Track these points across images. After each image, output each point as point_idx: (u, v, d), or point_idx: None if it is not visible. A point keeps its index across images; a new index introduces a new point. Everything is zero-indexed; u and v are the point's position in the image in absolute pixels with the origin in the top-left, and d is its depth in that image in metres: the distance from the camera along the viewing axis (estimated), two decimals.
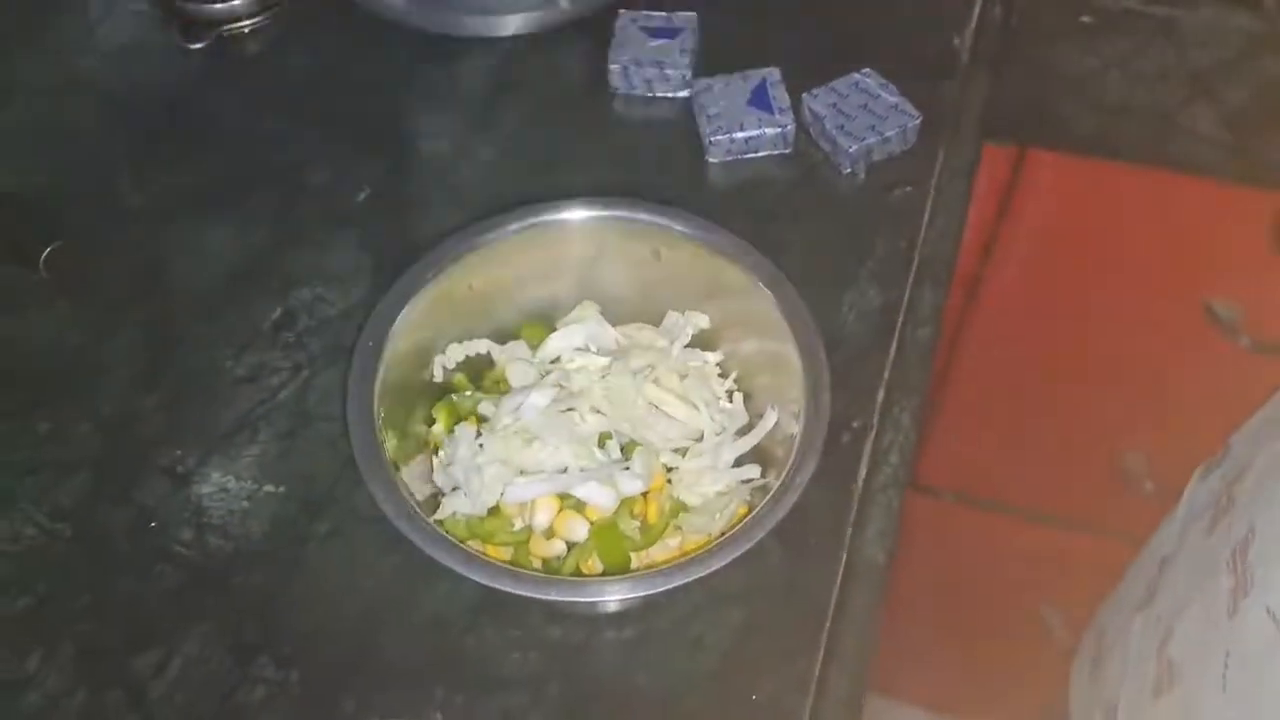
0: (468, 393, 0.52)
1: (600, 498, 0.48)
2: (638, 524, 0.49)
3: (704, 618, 0.48)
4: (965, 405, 0.93)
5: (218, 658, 0.47)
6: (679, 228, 0.49)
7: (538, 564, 0.49)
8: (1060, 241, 0.79)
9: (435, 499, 0.50)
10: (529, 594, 0.43)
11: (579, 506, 0.48)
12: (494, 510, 0.49)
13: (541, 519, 0.48)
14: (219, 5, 0.68)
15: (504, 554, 0.49)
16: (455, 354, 0.52)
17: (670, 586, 0.43)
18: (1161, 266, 0.76)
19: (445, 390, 0.52)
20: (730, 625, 0.48)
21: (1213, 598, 0.47)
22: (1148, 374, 0.82)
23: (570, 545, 0.48)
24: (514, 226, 0.50)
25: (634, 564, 0.48)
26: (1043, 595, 1.09)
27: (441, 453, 0.51)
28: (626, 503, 0.49)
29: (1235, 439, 0.56)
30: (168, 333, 0.57)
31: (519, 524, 0.49)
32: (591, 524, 0.48)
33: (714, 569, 0.43)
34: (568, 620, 0.48)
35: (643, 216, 0.50)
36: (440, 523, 0.48)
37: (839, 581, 0.49)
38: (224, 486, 0.51)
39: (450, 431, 0.51)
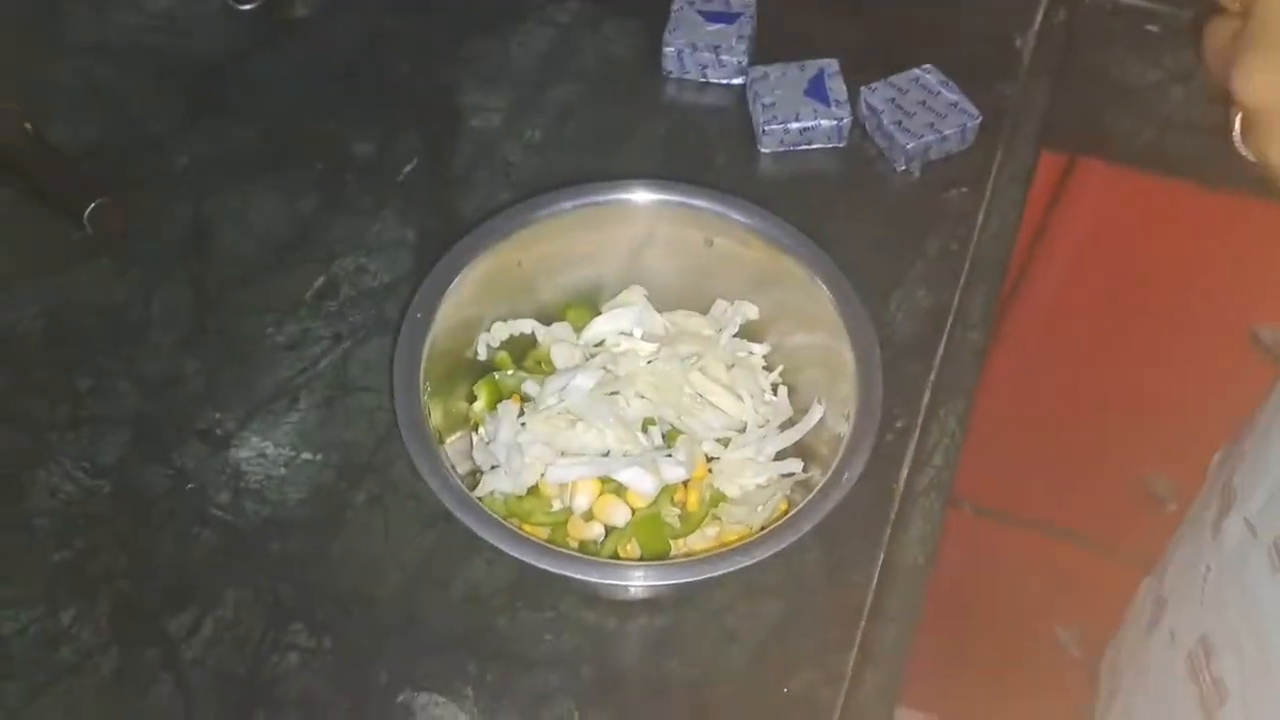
0: (510, 371, 0.51)
1: (642, 483, 0.47)
2: (678, 512, 0.48)
3: (739, 609, 0.48)
4: (992, 415, 0.93)
5: (251, 622, 0.47)
6: (738, 217, 0.49)
7: (575, 546, 0.48)
8: (1104, 254, 0.78)
9: (474, 476, 0.50)
10: (571, 574, 0.43)
11: (620, 491, 0.48)
12: (533, 490, 0.48)
13: (582, 501, 0.48)
14: None
15: (541, 534, 0.48)
16: (500, 332, 0.52)
17: (712, 575, 0.43)
18: (1207, 287, 0.75)
19: (486, 368, 0.52)
20: (765, 618, 0.48)
21: (1201, 528, 0.49)
22: (1181, 396, 0.81)
23: (608, 529, 0.48)
24: (570, 204, 0.49)
25: (672, 552, 0.48)
26: (1058, 611, 1.08)
27: (482, 430, 0.50)
28: (667, 490, 0.48)
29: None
30: (210, 295, 0.56)
31: (558, 505, 0.49)
32: (633, 511, 0.47)
33: (756, 560, 0.43)
34: (602, 605, 0.48)
35: (703, 203, 0.49)
36: (480, 499, 0.48)
37: (876, 581, 0.49)
38: (262, 452, 0.51)
39: (492, 409, 0.50)
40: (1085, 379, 0.88)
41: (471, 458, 0.50)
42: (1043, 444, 0.93)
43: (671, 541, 0.48)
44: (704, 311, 0.53)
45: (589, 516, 0.48)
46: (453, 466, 0.45)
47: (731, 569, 0.43)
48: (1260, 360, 0.75)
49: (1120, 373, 0.85)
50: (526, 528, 0.48)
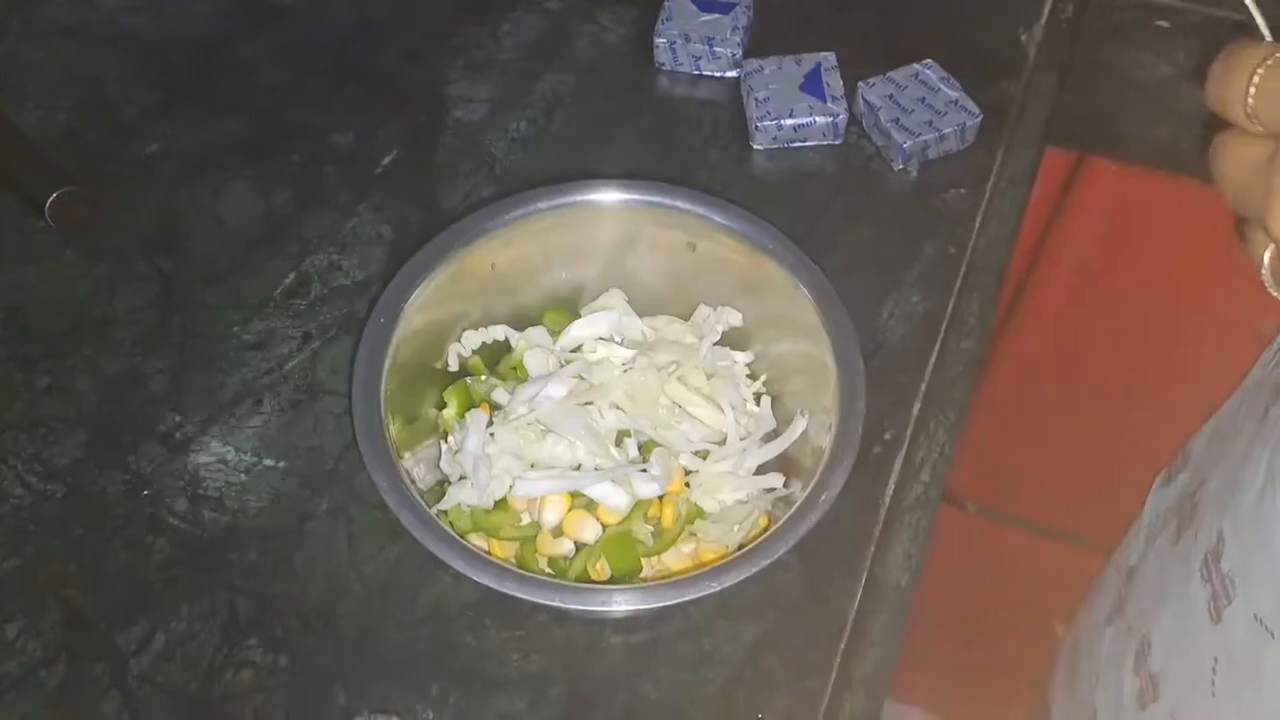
0: (483, 377, 0.49)
1: (614, 499, 0.45)
2: (651, 528, 0.46)
3: (716, 629, 0.46)
4: (995, 415, 0.91)
5: (205, 636, 0.45)
6: (719, 219, 0.47)
7: (544, 562, 0.46)
8: (1110, 255, 0.76)
9: (442, 486, 0.48)
10: (533, 599, 0.41)
11: (591, 506, 0.46)
12: (501, 503, 0.46)
13: (550, 517, 0.46)
14: None
15: (509, 549, 0.46)
16: (471, 341, 0.50)
17: (684, 599, 0.41)
18: (1215, 289, 0.72)
19: (459, 374, 0.50)
20: (742, 639, 0.46)
21: (1191, 607, 0.46)
22: (1187, 399, 0.79)
23: (579, 545, 0.46)
24: (544, 205, 0.47)
25: (645, 569, 0.46)
26: (1057, 612, 1.06)
27: (450, 439, 0.48)
28: (641, 505, 0.46)
29: (1193, 445, 0.54)
30: (176, 291, 0.54)
31: (526, 519, 0.47)
32: (604, 528, 0.45)
33: (730, 584, 0.41)
34: (573, 622, 0.46)
35: (681, 204, 0.47)
36: (444, 513, 0.46)
37: (858, 602, 0.47)
38: (223, 458, 0.49)
39: (461, 417, 0.48)
40: (1092, 381, 0.85)
41: (440, 467, 0.48)
42: (1047, 446, 0.91)
43: (645, 559, 0.46)
44: (687, 317, 0.51)
45: (558, 532, 0.46)
46: (413, 481, 0.43)
47: (706, 592, 0.41)
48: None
49: (1128, 376, 0.83)
50: (494, 542, 0.46)
